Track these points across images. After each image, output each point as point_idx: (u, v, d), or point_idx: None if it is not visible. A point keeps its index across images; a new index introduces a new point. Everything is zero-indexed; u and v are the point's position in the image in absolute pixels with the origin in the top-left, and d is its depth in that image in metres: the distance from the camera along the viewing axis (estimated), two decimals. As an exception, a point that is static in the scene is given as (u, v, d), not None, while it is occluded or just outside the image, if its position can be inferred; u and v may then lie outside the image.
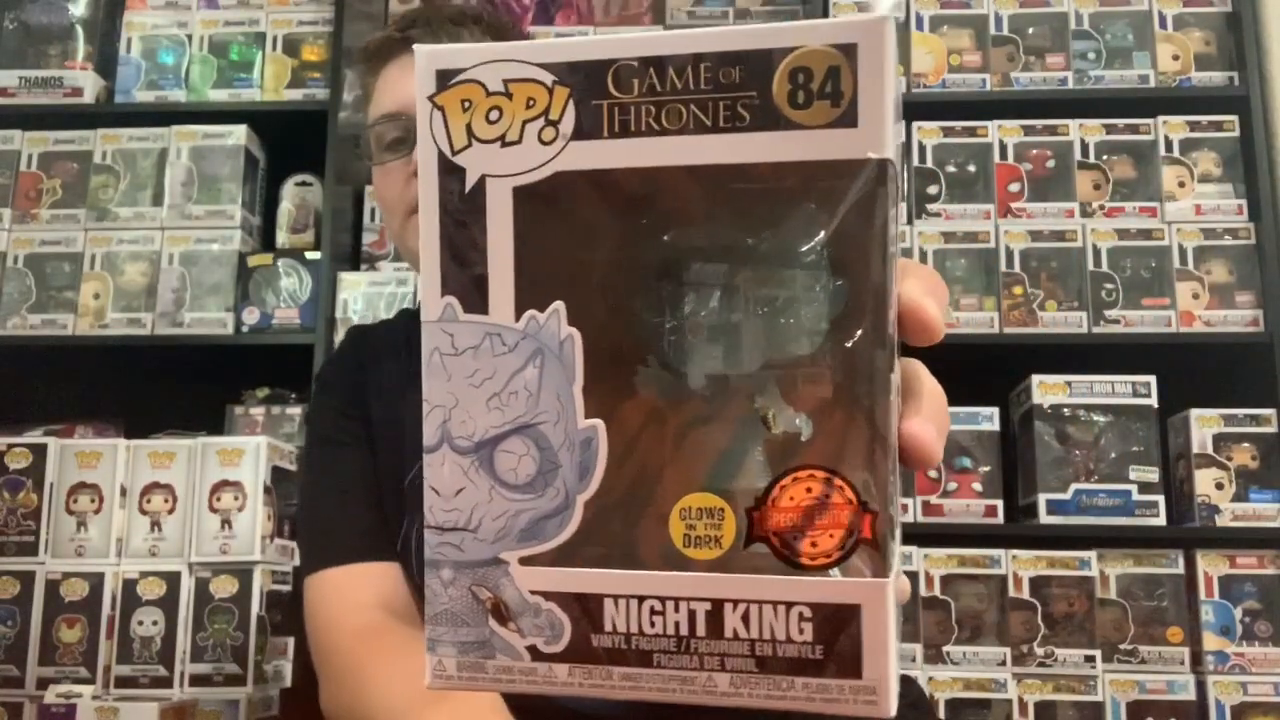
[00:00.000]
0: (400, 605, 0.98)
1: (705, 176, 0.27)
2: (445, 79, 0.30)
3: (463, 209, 0.29)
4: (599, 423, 0.28)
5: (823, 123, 0.27)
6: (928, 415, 0.32)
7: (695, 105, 0.26)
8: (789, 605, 0.26)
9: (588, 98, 0.28)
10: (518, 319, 0.29)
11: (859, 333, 0.27)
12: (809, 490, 0.26)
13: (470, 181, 0.29)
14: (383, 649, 0.94)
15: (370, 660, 0.94)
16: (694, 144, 0.27)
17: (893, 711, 0.27)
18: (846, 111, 0.27)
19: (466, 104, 0.29)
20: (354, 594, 0.99)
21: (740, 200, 0.28)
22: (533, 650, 0.29)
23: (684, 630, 0.27)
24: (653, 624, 0.27)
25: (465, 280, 0.29)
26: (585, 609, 0.28)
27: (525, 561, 0.29)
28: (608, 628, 0.28)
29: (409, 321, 1.17)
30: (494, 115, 0.29)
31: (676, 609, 0.27)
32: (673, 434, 0.27)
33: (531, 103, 0.28)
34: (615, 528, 0.28)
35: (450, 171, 0.29)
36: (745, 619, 0.27)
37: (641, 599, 0.27)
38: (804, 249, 0.27)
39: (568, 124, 0.28)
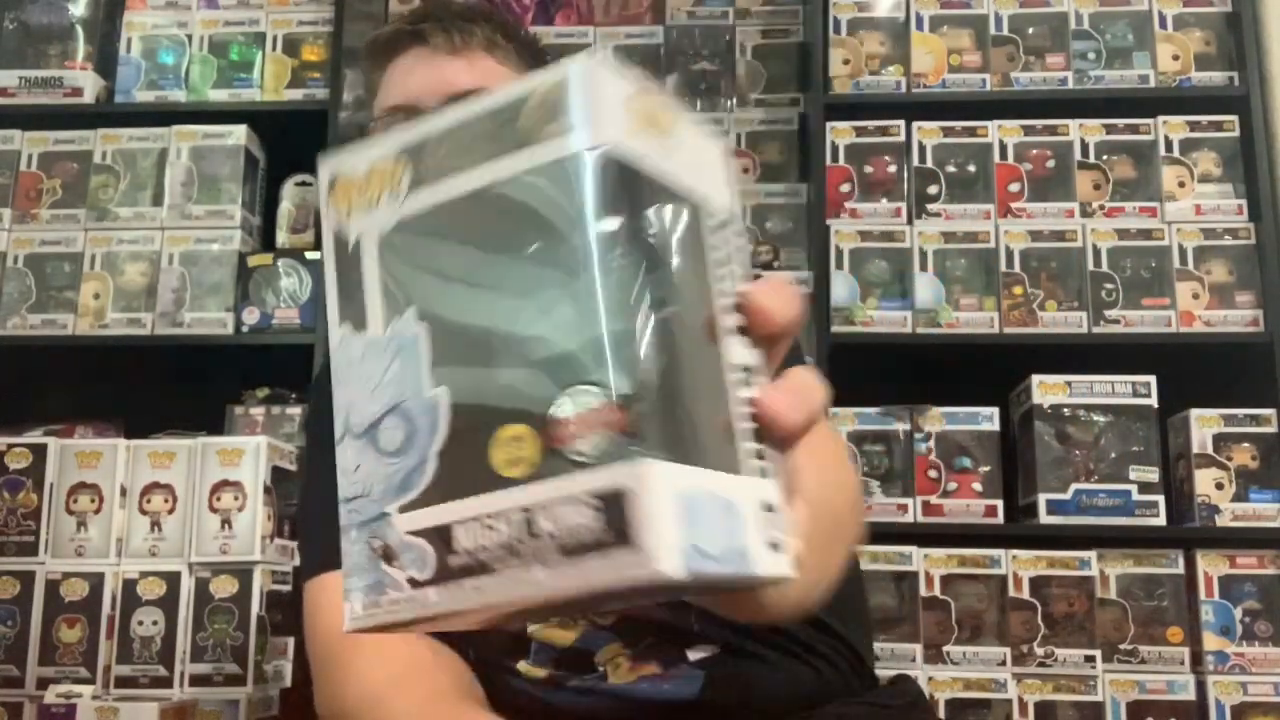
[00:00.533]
0: None
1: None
2: (334, 179, 0.42)
3: (349, 260, 0.40)
4: (441, 390, 0.37)
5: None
6: (781, 390, 0.40)
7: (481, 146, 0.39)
8: (578, 500, 0.34)
9: (417, 161, 0.40)
10: (385, 329, 0.39)
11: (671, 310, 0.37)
12: (587, 404, 0.35)
13: (351, 240, 0.40)
14: (362, 642, 0.95)
15: (350, 653, 0.96)
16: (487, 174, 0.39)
17: (671, 571, 0.33)
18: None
19: (348, 189, 0.41)
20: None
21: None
22: (411, 580, 0.37)
23: (511, 538, 0.35)
24: (488, 538, 0.35)
25: (353, 309, 0.40)
26: (441, 537, 0.36)
27: (402, 510, 0.38)
28: (457, 548, 0.36)
29: None
30: (363, 191, 0.41)
31: (506, 522, 0.35)
32: None
33: (386, 176, 0.40)
34: (458, 468, 0.37)
35: (340, 236, 0.41)
36: (553, 518, 0.34)
37: (478, 519, 0.36)
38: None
39: (405, 183, 0.39)
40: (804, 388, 0.41)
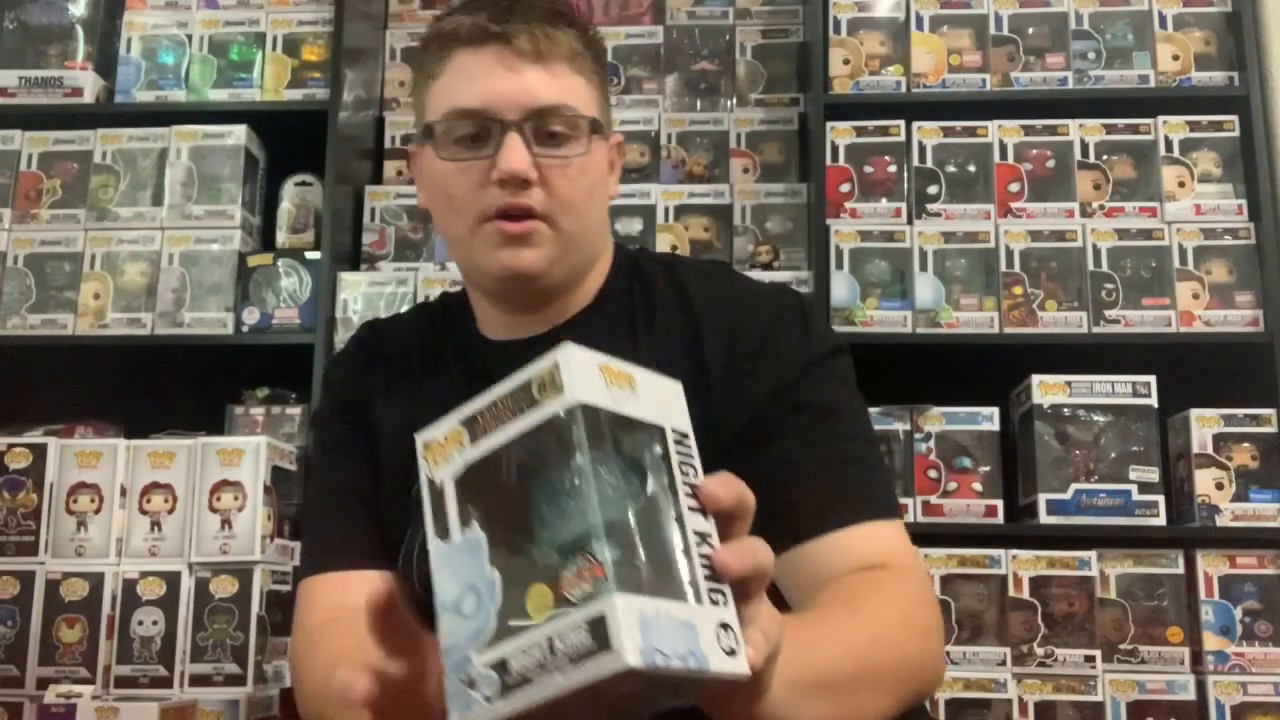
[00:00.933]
0: (376, 609, 0.89)
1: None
2: (426, 444, 0.61)
3: (438, 495, 0.59)
4: (495, 572, 0.55)
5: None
6: (728, 550, 0.57)
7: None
8: (578, 626, 0.51)
9: (471, 427, 0.59)
10: (461, 537, 0.57)
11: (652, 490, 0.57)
12: (581, 565, 0.52)
13: (438, 482, 0.60)
14: (324, 639, 0.96)
15: (310, 652, 0.97)
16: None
17: (634, 662, 0.49)
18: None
19: (434, 449, 0.60)
20: (324, 598, 1.00)
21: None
22: (486, 698, 0.53)
23: (542, 658, 0.52)
24: (529, 660, 0.52)
25: (441, 526, 0.59)
26: (503, 666, 0.53)
27: (477, 652, 0.54)
28: (511, 670, 0.53)
29: (427, 318, 1.13)
30: (443, 450, 0.60)
31: (538, 649, 0.52)
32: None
33: (455, 438, 0.59)
34: (507, 619, 0.54)
35: (432, 481, 0.60)
36: (564, 641, 0.51)
37: (524, 650, 0.53)
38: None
39: (466, 441, 0.59)
40: (747, 548, 0.57)
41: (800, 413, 0.95)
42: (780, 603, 0.90)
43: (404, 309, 1.75)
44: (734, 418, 0.95)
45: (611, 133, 1.05)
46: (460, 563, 0.56)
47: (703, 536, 0.57)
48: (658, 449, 0.58)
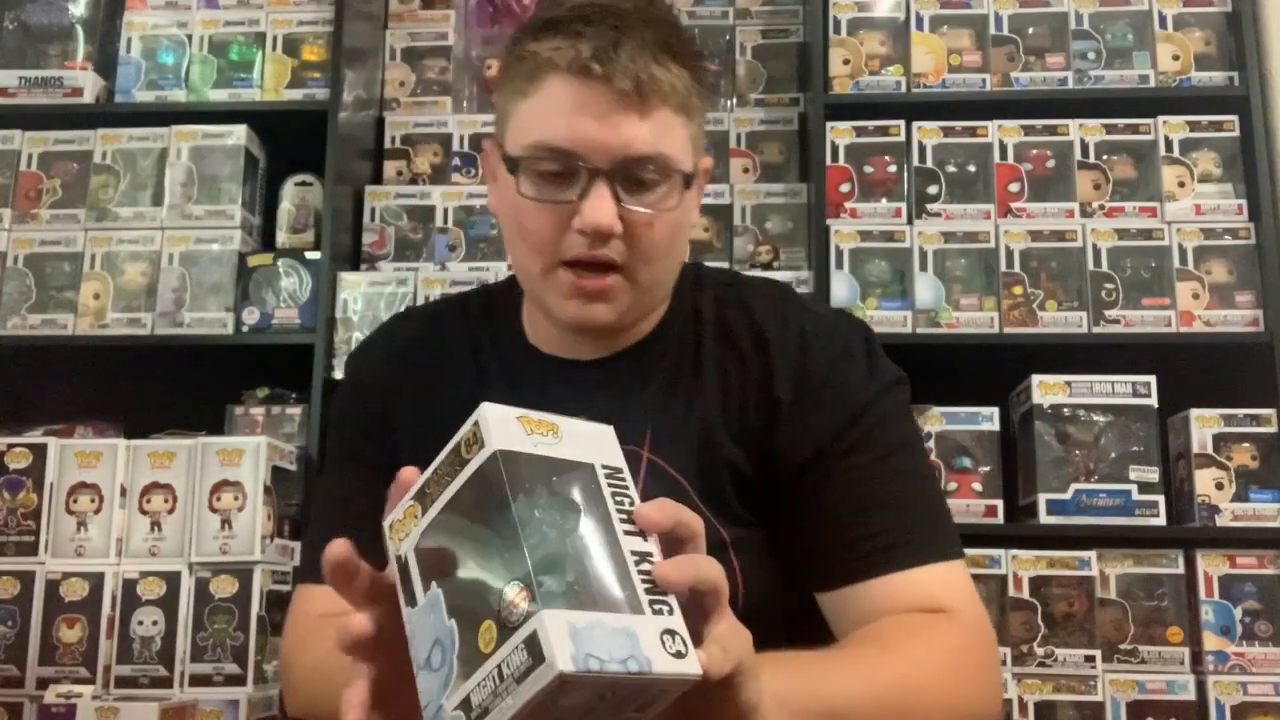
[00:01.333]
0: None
1: None
2: (390, 525, 0.67)
3: (405, 566, 0.64)
4: (453, 622, 0.59)
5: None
6: (669, 564, 0.61)
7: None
8: (517, 647, 0.54)
9: (421, 498, 0.65)
10: (424, 598, 0.62)
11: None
12: (514, 591, 0.56)
13: (403, 555, 0.65)
14: (321, 631, 0.96)
15: (304, 642, 0.98)
16: None
17: (564, 667, 0.52)
18: None
19: (397, 527, 0.66)
20: (322, 603, 0.99)
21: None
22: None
23: (495, 687, 0.55)
24: (485, 691, 0.55)
25: (409, 593, 0.63)
26: (466, 703, 0.56)
27: (446, 698, 0.58)
28: (475, 705, 0.56)
29: (463, 314, 1.08)
30: (404, 525, 0.65)
31: (490, 679, 0.55)
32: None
33: (411, 513, 0.65)
34: (465, 660, 0.57)
35: (399, 556, 0.65)
36: (509, 665, 0.54)
37: (479, 684, 0.56)
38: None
39: (420, 513, 0.65)
40: (688, 560, 0.61)
41: (863, 449, 0.94)
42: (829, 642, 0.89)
43: (404, 309, 1.73)
44: (799, 451, 0.94)
45: (701, 161, 0.98)
46: (426, 623, 0.60)
47: (642, 555, 0.60)
48: (589, 484, 0.62)
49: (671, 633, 0.57)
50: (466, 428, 0.62)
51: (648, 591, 0.58)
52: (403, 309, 1.15)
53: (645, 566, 0.59)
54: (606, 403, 0.89)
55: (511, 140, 0.93)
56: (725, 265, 2.13)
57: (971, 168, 2.10)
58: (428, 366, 1.05)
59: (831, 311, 1.07)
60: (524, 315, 1.05)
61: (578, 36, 0.89)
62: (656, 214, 0.91)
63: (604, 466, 0.64)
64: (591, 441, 0.65)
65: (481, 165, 1.06)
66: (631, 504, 0.63)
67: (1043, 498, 1.93)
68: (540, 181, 0.91)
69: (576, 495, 0.61)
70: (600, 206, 0.88)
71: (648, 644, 0.55)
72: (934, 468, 1.08)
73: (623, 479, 0.64)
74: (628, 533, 0.61)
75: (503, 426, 0.61)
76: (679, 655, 0.56)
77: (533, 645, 0.53)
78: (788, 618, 0.86)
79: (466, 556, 0.60)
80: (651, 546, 0.61)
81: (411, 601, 0.62)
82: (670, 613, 0.58)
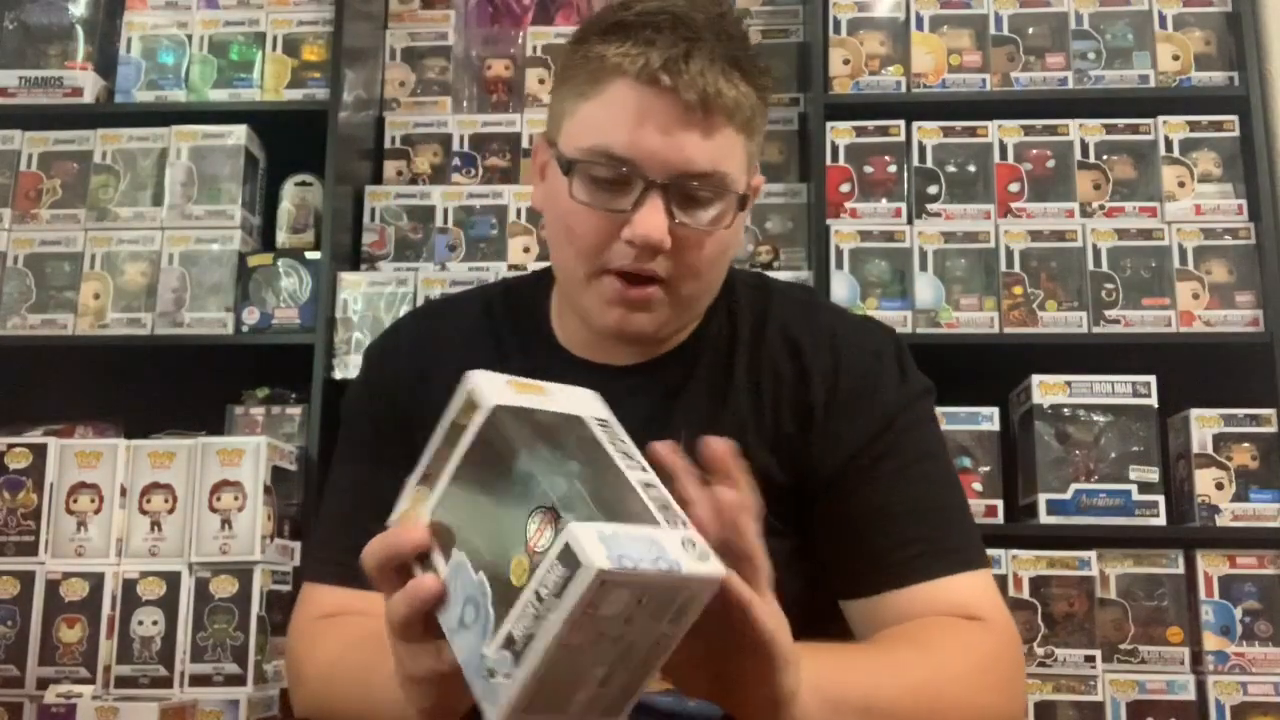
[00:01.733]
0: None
1: None
2: (405, 510, 0.71)
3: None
4: (481, 575, 0.61)
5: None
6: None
7: None
8: (552, 566, 0.55)
9: (427, 478, 0.69)
10: (447, 562, 0.65)
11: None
12: (539, 521, 0.58)
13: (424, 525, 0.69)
14: (331, 627, 0.97)
15: (316, 638, 0.98)
16: None
17: (602, 564, 0.53)
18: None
19: (414, 500, 0.70)
20: (329, 602, 0.99)
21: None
22: (506, 675, 0.58)
23: (537, 610, 0.56)
24: (526, 622, 0.57)
25: (429, 564, 0.66)
26: (509, 640, 0.58)
27: (486, 646, 0.59)
28: (517, 638, 0.57)
29: (486, 309, 1.07)
30: (419, 503, 0.69)
31: (530, 605, 0.57)
32: None
33: (423, 494, 0.69)
34: (500, 604, 0.59)
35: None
36: (546, 584, 0.56)
37: (520, 617, 0.57)
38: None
39: (429, 488, 0.69)
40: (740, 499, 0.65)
41: (893, 458, 0.94)
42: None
43: (404, 309, 1.72)
44: (830, 458, 0.94)
45: (754, 180, 0.97)
46: (454, 588, 0.62)
47: (649, 484, 0.63)
48: (584, 431, 0.66)
49: (691, 542, 0.59)
50: (458, 399, 0.66)
51: (661, 509, 0.60)
52: (418, 306, 1.14)
53: (654, 493, 0.62)
54: (640, 409, 0.87)
55: (567, 140, 0.91)
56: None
57: (971, 168, 2.10)
58: (448, 365, 1.03)
59: (860, 318, 1.07)
60: (553, 316, 1.03)
61: (648, 44, 0.87)
62: (707, 232, 0.90)
63: (594, 418, 0.68)
64: (578, 400, 0.69)
65: (532, 162, 1.04)
66: (624, 443, 0.66)
67: (1043, 498, 1.93)
68: (594, 186, 0.89)
69: (572, 441, 0.64)
70: (653, 220, 0.87)
71: (672, 549, 0.57)
72: (959, 478, 1.08)
73: (613, 426, 0.68)
74: (629, 467, 0.63)
75: (494, 386, 0.65)
76: (703, 558, 0.58)
77: (567, 556, 0.54)
78: (812, 623, 0.87)
79: (482, 515, 0.62)
80: (654, 478, 0.64)
81: (436, 568, 0.64)
82: (686, 526, 0.60)
